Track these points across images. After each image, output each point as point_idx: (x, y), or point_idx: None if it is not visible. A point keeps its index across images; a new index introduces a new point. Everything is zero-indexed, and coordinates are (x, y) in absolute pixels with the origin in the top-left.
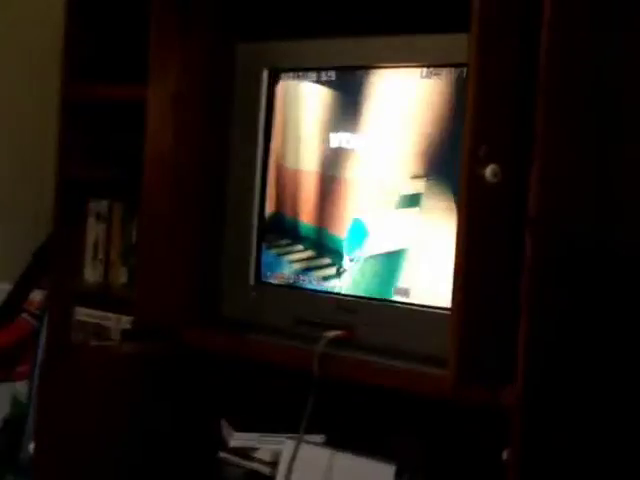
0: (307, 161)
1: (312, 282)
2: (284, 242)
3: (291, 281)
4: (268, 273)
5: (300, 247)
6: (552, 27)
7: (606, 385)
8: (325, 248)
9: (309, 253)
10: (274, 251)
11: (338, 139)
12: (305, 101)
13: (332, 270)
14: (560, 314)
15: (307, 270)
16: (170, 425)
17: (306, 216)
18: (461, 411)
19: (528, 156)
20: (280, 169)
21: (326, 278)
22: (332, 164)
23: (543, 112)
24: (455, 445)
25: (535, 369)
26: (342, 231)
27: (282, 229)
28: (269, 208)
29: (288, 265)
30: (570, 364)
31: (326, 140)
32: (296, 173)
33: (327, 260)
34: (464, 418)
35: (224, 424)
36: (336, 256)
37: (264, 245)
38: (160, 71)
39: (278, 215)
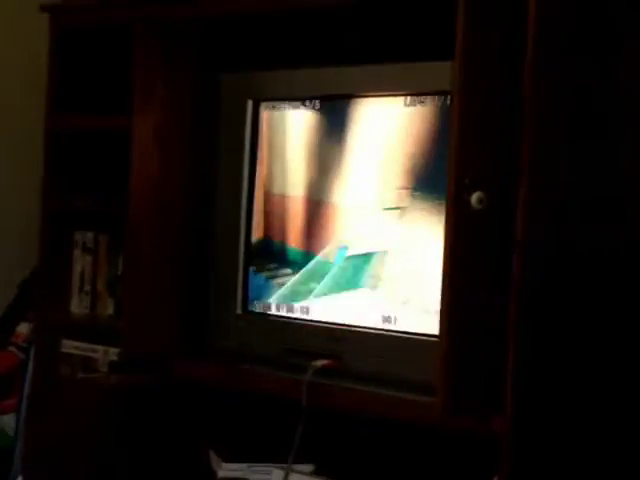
0: (293, 187)
1: (299, 309)
2: (272, 266)
3: (278, 309)
4: (255, 301)
5: (288, 271)
6: (536, 54)
7: (597, 411)
8: (314, 272)
9: (297, 277)
10: (263, 275)
11: (323, 165)
12: (290, 129)
13: (320, 296)
14: (548, 340)
15: (295, 295)
16: (159, 456)
17: (294, 240)
18: (450, 438)
19: (514, 181)
20: (267, 195)
21: (313, 305)
22: (318, 189)
23: (528, 139)
24: (445, 472)
25: (524, 395)
26: (330, 256)
27: (270, 253)
28: (257, 234)
29: (277, 289)
30: (559, 390)
31: (311, 166)
32: (283, 198)
33: (315, 285)
34: (453, 445)
35: (212, 455)
36: (312, 279)
37: (252, 269)
38: (145, 102)
39: (266, 240)
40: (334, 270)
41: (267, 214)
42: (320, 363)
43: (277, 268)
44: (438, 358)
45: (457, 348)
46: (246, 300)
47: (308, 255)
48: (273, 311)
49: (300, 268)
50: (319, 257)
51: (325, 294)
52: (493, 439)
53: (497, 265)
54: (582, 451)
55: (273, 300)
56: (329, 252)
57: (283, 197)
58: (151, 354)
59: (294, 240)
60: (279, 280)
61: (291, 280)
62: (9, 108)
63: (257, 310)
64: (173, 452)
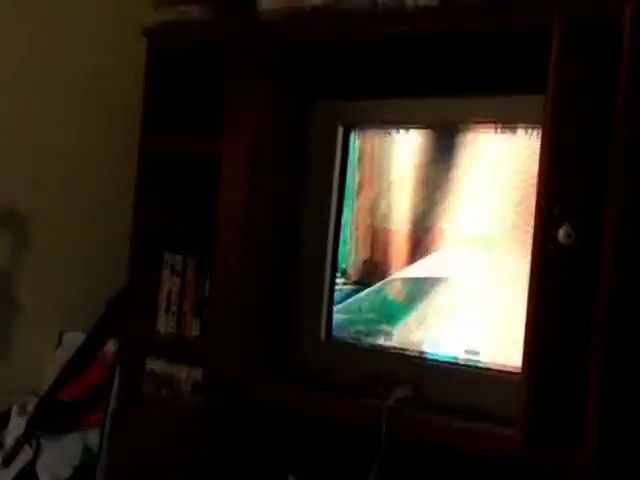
0: (393, 218)
1: (383, 338)
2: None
3: (361, 337)
4: (340, 328)
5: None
6: (629, 87)
7: None
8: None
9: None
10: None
11: (421, 196)
12: (388, 158)
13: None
14: (631, 378)
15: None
16: (237, 478)
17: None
18: (530, 472)
19: (601, 218)
20: (367, 225)
21: (397, 334)
22: (415, 220)
23: (616, 174)
24: None
25: (606, 433)
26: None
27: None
28: (356, 262)
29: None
30: None
31: (409, 197)
32: (383, 230)
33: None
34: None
35: (291, 479)
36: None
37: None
38: (236, 124)
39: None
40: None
41: (367, 243)
42: (402, 391)
43: None
44: (520, 391)
45: (540, 381)
46: (330, 326)
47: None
48: (357, 338)
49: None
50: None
51: (411, 324)
52: (573, 474)
53: (582, 300)
54: None
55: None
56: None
57: (384, 228)
58: (233, 376)
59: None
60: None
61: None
62: (103, 128)
63: (341, 337)
64: (252, 474)
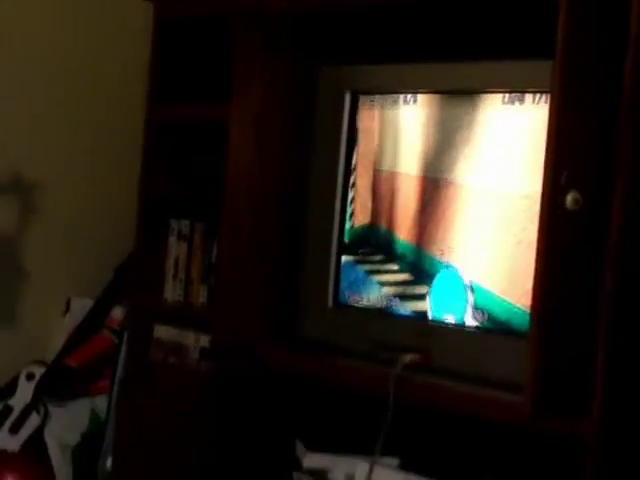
0: (406, 164)
1: (390, 305)
2: (376, 258)
3: (367, 303)
4: (347, 294)
5: (395, 267)
6: (637, 53)
7: None
8: (420, 270)
9: (404, 276)
10: (365, 267)
11: (426, 162)
12: (397, 124)
13: (413, 292)
14: (639, 346)
15: (397, 294)
16: (245, 443)
17: (404, 231)
18: (537, 439)
19: (611, 184)
20: (375, 175)
21: (404, 300)
22: (422, 187)
23: (627, 139)
24: (529, 474)
25: (612, 401)
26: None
27: (375, 243)
28: (360, 219)
29: (378, 287)
30: None
31: (415, 165)
32: (393, 177)
33: (418, 285)
34: (540, 446)
35: (298, 444)
36: (418, 279)
37: (352, 259)
38: (243, 92)
39: (373, 228)
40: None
41: (375, 197)
42: (409, 358)
43: (382, 262)
44: (527, 357)
45: (547, 348)
46: (337, 292)
47: (419, 251)
48: (364, 304)
49: (408, 265)
50: (428, 254)
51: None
52: (580, 442)
53: (590, 265)
54: None
55: (373, 298)
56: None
57: (394, 175)
58: (241, 342)
59: (404, 231)
60: (383, 277)
61: (397, 277)
62: (109, 96)
63: (349, 303)
64: (260, 439)
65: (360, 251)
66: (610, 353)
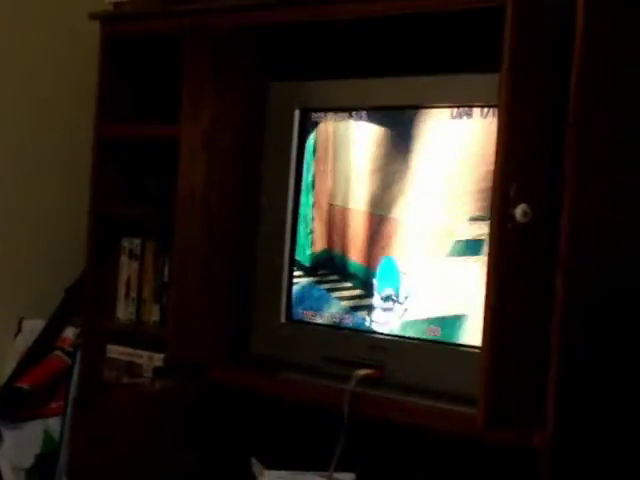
0: (353, 200)
1: (343, 320)
2: (333, 278)
3: (322, 320)
4: (302, 311)
5: (349, 285)
6: (583, 63)
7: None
8: (367, 285)
9: (357, 291)
10: (324, 287)
11: (382, 179)
12: (342, 140)
13: (364, 307)
14: (590, 356)
15: (351, 310)
16: (201, 462)
17: (354, 254)
18: (491, 450)
19: (560, 195)
20: (329, 207)
21: (356, 315)
22: (377, 203)
23: (573, 151)
24: None
25: (566, 412)
26: (376, 267)
27: (332, 265)
28: (319, 245)
29: (335, 304)
30: (600, 407)
31: (370, 180)
32: (344, 211)
33: (366, 299)
34: (494, 458)
35: (254, 462)
36: (369, 292)
37: (314, 280)
38: (193, 109)
39: (328, 252)
40: (377, 281)
41: (329, 226)
42: (363, 373)
43: (338, 281)
44: (480, 370)
45: (499, 361)
46: (290, 309)
47: (368, 269)
48: (316, 320)
49: (360, 281)
50: (368, 269)
51: (371, 304)
52: (534, 453)
53: (541, 278)
54: (622, 469)
55: (329, 314)
56: (376, 265)
57: (344, 209)
58: (194, 361)
59: (355, 254)
60: (339, 294)
61: (352, 293)
62: (59, 115)
63: (304, 319)
64: (215, 458)
65: (319, 272)
66: (562, 364)
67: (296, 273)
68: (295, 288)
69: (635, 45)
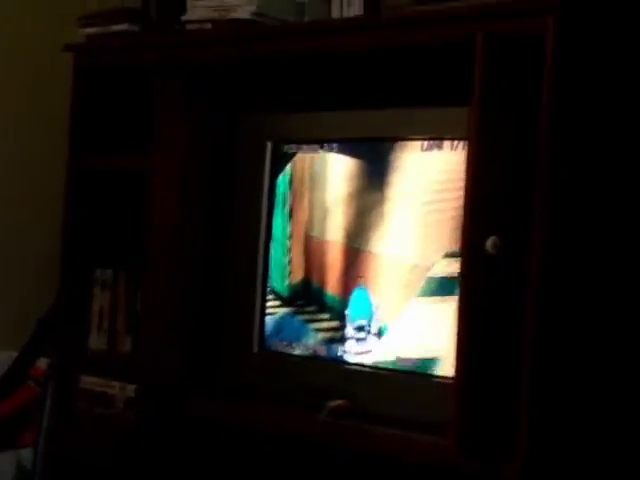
0: (329, 231)
1: (316, 351)
2: (311, 309)
3: (297, 351)
4: (276, 341)
5: (326, 316)
6: (553, 97)
7: (612, 457)
8: (341, 316)
9: (333, 323)
10: (302, 317)
11: (357, 212)
12: (323, 172)
13: (338, 339)
14: (561, 387)
15: (325, 341)
16: None
17: (331, 286)
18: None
19: (528, 227)
20: (306, 238)
21: (331, 346)
22: (351, 235)
23: (541, 184)
24: None
25: (537, 442)
26: (349, 298)
27: (309, 296)
28: (297, 275)
29: (311, 334)
30: (573, 437)
31: (346, 212)
32: (320, 243)
33: (341, 330)
34: None
35: None
36: (343, 323)
37: (291, 311)
38: (164, 141)
39: (306, 282)
40: (349, 312)
41: (306, 257)
42: (334, 403)
43: (315, 312)
44: (452, 400)
45: (471, 391)
46: (262, 339)
47: (342, 300)
48: (291, 350)
49: (335, 313)
50: (343, 300)
51: (344, 335)
52: None
53: (512, 309)
54: None
55: (304, 345)
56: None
57: (321, 241)
58: (167, 391)
59: (331, 285)
60: (317, 325)
61: (329, 325)
62: (30, 144)
63: (278, 350)
64: None
65: (297, 303)
66: (533, 394)
67: (274, 303)
68: (273, 318)
69: (604, 80)
